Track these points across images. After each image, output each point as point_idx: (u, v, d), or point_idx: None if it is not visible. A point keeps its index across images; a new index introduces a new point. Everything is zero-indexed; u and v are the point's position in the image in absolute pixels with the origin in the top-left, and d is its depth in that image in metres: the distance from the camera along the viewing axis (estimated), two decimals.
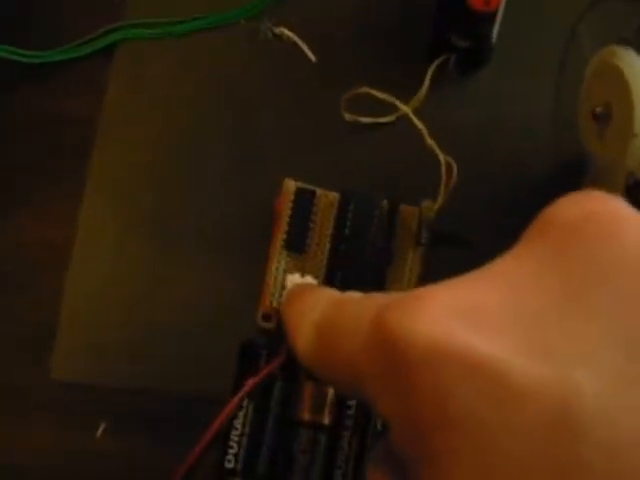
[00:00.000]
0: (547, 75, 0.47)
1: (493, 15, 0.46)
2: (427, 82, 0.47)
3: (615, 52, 0.40)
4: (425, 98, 0.47)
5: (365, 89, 0.45)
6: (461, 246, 0.44)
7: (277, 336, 0.40)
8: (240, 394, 0.37)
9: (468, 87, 0.50)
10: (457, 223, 0.45)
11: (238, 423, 0.40)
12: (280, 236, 0.43)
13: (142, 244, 0.46)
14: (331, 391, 0.40)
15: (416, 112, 0.47)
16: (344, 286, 0.40)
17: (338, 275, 0.42)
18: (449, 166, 0.43)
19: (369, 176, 0.46)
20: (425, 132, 0.44)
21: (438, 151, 0.43)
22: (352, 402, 0.40)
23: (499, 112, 0.49)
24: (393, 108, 0.46)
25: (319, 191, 0.44)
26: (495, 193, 0.47)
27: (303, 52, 0.49)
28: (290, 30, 0.50)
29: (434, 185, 0.44)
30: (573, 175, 0.47)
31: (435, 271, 0.44)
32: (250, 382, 0.37)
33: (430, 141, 0.44)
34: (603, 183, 0.43)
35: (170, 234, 0.46)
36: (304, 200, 0.43)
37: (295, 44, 0.50)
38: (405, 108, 0.44)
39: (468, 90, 0.50)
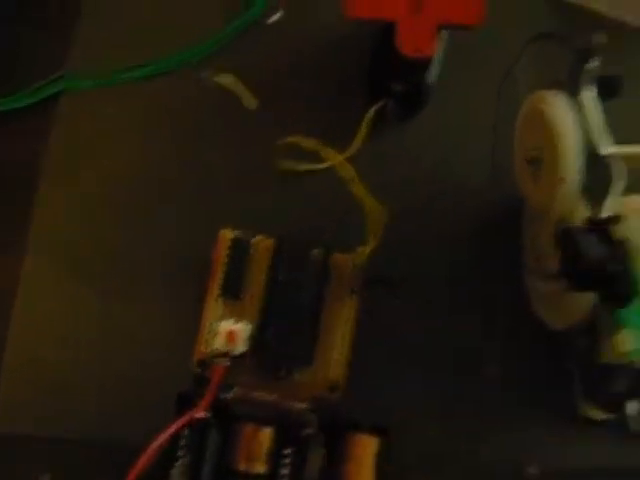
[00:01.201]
0: (485, 118, 0.48)
1: (426, 62, 0.47)
2: (364, 128, 0.48)
3: (544, 97, 0.41)
4: (362, 144, 0.48)
5: (295, 138, 0.46)
6: (395, 288, 0.45)
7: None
8: (148, 452, 0.37)
9: (406, 131, 0.51)
10: (392, 266, 0.45)
11: (175, 473, 0.40)
12: (216, 284, 0.44)
13: (80, 294, 0.46)
14: (267, 439, 0.40)
15: (353, 158, 0.47)
16: (278, 331, 0.41)
17: (272, 321, 0.43)
18: (379, 212, 0.44)
19: (304, 222, 0.47)
20: (355, 179, 0.44)
21: (367, 197, 0.44)
22: (288, 451, 0.40)
23: (436, 156, 0.50)
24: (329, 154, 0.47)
25: (254, 239, 0.44)
26: (429, 236, 0.48)
27: (243, 100, 0.50)
28: (230, 78, 0.51)
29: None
30: (510, 219, 0.48)
31: (371, 314, 0.45)
32: (160, 437, 0.37)
33: (359, 188, 0.44)
34: (537, 227, 0.44)
35: (108, 283, 0.46)
36: (239, 249, 0.44)
37: (235, 92, 0.50)
38: (334, 157, 0.45)
39: (406, 134, 0.51)
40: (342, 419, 0.42)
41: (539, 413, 0.47)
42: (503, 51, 0.47)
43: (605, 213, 0.37)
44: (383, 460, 0.42)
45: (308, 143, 0.46)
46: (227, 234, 0.44)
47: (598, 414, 0.45)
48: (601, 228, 0.36)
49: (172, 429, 0.37)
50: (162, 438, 0.36)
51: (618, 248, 0.36)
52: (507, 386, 0.46)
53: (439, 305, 0.47)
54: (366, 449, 0.41)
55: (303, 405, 0.42)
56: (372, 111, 0.49)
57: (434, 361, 0.46)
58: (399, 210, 0.47)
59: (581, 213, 0.39)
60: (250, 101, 0.50)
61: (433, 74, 0.49)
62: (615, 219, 0.36)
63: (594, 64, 0.40)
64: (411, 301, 0.46)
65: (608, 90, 0.41)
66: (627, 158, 0.40)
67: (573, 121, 0.39)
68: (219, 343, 0.42)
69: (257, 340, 0.42)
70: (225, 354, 0.42)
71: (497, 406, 0.46)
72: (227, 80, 0.50)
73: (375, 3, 0.46)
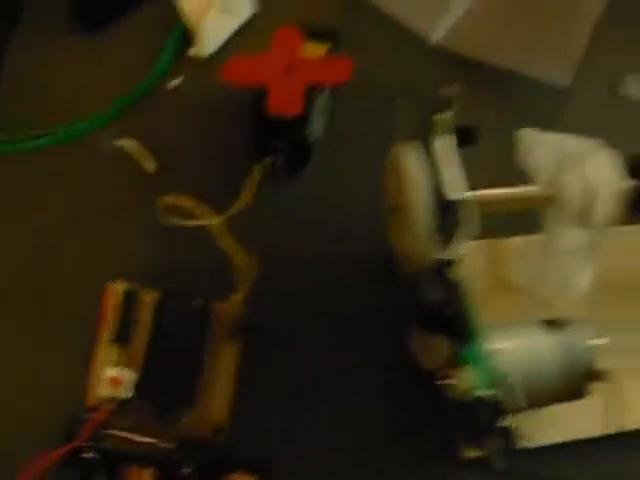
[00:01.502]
0: (370, 171, 0.51)
1: (302, 119, 0.50)
2: (249, 185, 0.51)
3: (400, 151, 0.45)
4: (251, 199, 0.51)
5: (173, 197, 0.49)
6: (255, 334, 0.47)
7: None
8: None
9: (295, 185, 0.54)
10: (269, 313, 0.48)
11: None
12: (105, 333, 0.46)
13: None
14: None
15: (241, 213, 0.50)
16: (161, 377, 0.44)
17: (156, 367, 0.45)
18: (248, 264, 0.47)
19: (188, 274, 0.49)
20: (224, 234, 0.48)
21: (236, 251, 0.47)
22: None
23: (318, 210, 0.53)
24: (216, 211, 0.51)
25: (141, 291, 0.47)
26: (312, 284, 0.50)
27: (142, 163, 0.53)
28: (130, 142, 0.54)
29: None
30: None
31: (251, 358, 0.47)
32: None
33: (228, 242, 0.48)
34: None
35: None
36: (128, 300, 0.47)
37: (135, 155, 0.53)
38: (209, 214, 0.49)
39: (293, 189, 0.54)
40: (221, 459, 0.43)
41: (420, 454, 0.49)
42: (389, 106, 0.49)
43: (447, 256, 0.40)
44: None
45: (185, 202, 0.49)
46: (117, 287, 0.47)
47: (473, 452, 0.46)
48: (440, 271, 0.39)
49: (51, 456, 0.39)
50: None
51: (454, 291, 0.38)
52: (390, 427, 0.48)
53: (322, 349, 0.49)
54: None
55: (182, 446, 0.43)
56: (257, 169, 0.52)
57: (319, 405, 0.49)
58: (285, 259, 0.50)
59: (433, 256, 0.42)
60: (149, 164, 0.53)
61: (315, 130, 0.52)
62: (451, 262, 0.39)
63: (448, 114, 0.43)
64: (296, 346, 0.49)
65: (466, 139, 0.44)
66: (483, 203, 0.43)
67: (422, 171, 0.42)
68: (104, 388, 0.44)
69: (141, 386, 0.44)
70: (111, 399, 0.44)
71: (380, 446, 0.48)
72: (128, 144, 0.53)
73: (249, 69, 0.49)
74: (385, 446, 0.49)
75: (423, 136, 0.45)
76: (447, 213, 0.43)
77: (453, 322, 0.38)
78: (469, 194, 0.44)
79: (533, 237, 0.49)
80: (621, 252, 0.55)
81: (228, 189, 0.52)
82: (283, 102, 0.49)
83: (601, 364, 0.45)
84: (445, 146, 0.44)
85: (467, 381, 0.39)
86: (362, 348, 0.49)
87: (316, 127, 0.53)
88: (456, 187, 0.43)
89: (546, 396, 0.44)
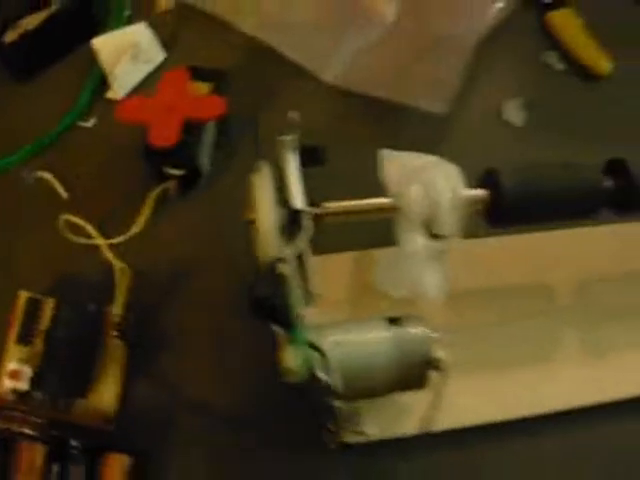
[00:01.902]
0: None
1: (188, 150, 0.58)
2: (143, 210, 0.59)
3: (254, 168, 0.52)
4: (145, 221, 0.59)
5: (74, 218, 0.57)
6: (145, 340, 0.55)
7: None
8: None
9: (187, 209, 0.62)
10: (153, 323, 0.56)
11: None
12: (12, 335, 0.54)
13: None
14: (40, 456, 0.50)
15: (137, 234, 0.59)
16: (56, 371, 0.52)
17: (52, 363, 0.53)
18: (126, 275, 0.55)
19: (87, 284, 0.57)
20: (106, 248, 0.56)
21: (117, 262, 0.55)
22: (56, 467, 0.49)
23: (211, 233, 0.61)
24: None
25: (44, 298, 0.55)
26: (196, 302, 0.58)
27: (56, 191, 0.61)
28: (47, 174, 0.62)
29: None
30: None
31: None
32: None
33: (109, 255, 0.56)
34: None
35: None
36: (32, 306, 0.54)
37: (49, 184, 0.61)
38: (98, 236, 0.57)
39: (187, 212, 0.62)
40: (104, 442, 0.51)
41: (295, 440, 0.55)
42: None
43: (281, 255, 0.47)
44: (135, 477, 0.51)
45: (79, 222, 0.57)
46: (23, 295, 0.55)
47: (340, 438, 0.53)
48: (273, 268, 0.46)
49: None
50: None
51: (280, 284, 0.46)
52: (265, 416, 0.55)
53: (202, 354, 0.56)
54: (116, 466, 0.50)
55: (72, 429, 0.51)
56: (150, 196, 0.59)
57: (196, 399, 0.56)
58: (175, 273, 0.58)
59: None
60: (62, 192, 0.61)
61: (203, 160, 0.60)
62: (281, 260, 0.46)
63: (291, 137, 0.51)
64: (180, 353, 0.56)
65: (312, 158, 0.52)
66: (340, 212, 0.52)
67: (268, 185, 0.50)
68: (6, 381, 0.51)
69: (38, 379, 0.52)
70: (13, 390, 0.51)
71: (254, 435, 0.55)
72: (45, 175, 0.61)
73: (136, 108, 0.57)
74: (260, 433, 0.55)
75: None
76: (292, 222, 0.50)
77: (278, 311, 0.45)
78: (315, 206, 0.50)
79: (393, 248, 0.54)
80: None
81: (128, 213, 0.59)
82: (160, 136, 0.56)
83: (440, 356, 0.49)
84: (291, 164, 0.51)
85: (287, 361, 0.45)
86: (242, 348, 0.56)
87: (204, 157, 0.60)
88: (298, 199, 0.50)
89: (385, 384, 0.50)
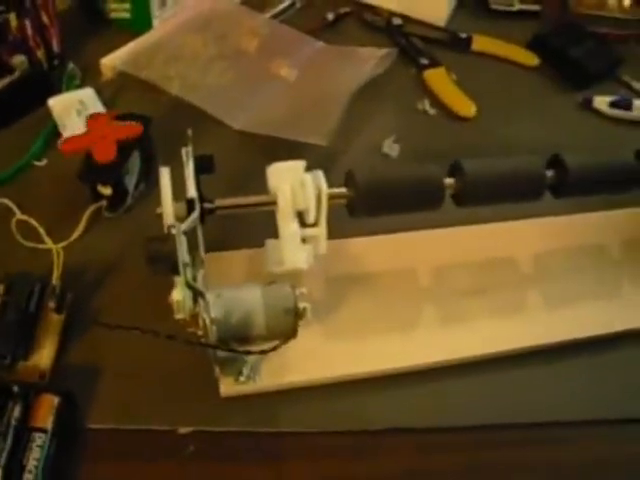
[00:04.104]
0: None
1: (116, 173, 0.74)
2: (81, 224, 0.75)
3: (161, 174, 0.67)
4: (81, 234, 0.74)
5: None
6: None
7: None
8: None
9: (116, 222, 0.77)
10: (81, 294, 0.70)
11: None
12: None
13: None
14: None
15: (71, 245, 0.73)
16: (5, 335, 0.64)
17: (2, 331, 0.65)
18: (58, 256, 0.69)
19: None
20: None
21: (53, 246, 0.70)
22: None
23: (128, 241, 0.75)
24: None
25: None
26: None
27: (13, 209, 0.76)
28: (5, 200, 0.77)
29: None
30: None
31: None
32: None
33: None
34: None
35: None
36: None
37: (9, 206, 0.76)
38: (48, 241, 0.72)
39: (114, 225, 0.77)
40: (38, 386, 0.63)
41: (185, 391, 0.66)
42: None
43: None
44: (64, 416, 0.62)
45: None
46: None
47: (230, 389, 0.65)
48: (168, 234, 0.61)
49: None
50: None
51: (169, 242, 0.60)
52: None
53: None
54: (47, 403, 0.62)
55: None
56: (87, 211, 0.75)
57: (121, 356, 0.68)
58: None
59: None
60: (18, 214, 0.76)
61: (130, 182, 0.76)
62: (172, 227, 0.61)
63: (188, 148, 0.67)
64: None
65: (204, 165, 0.67)
66: (230, 206, 0.66)
67: (168, 183, 0.64)
68: None
69: None
70: None
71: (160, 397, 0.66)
72: (4, 201, 0.77)
73: (79, 140, 0.74)
74: (167, 388, 0.66)
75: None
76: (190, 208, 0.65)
77: (166, 261, 0.60)
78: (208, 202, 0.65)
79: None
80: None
81: (69, 225, 0.74)
82: (102, 153, 0.72)
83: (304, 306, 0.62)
84: (188, 168, 0.67)
85: (178, 297, 0.58)
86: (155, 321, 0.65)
87: (130, 180, 0.76)
88: (191, 191, 0.65)
89: (260, 333, 0.62)
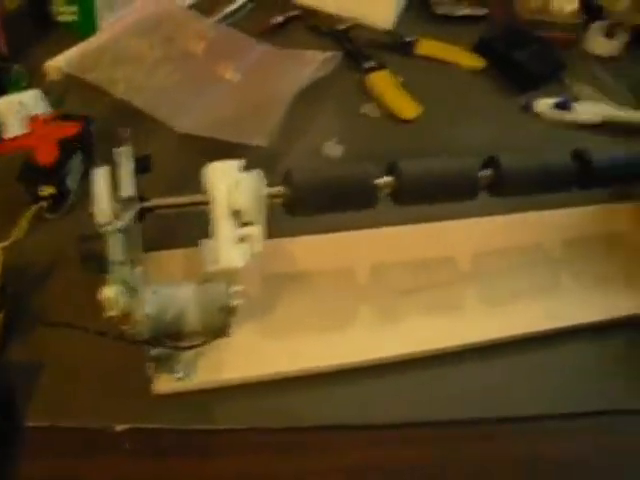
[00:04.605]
0: None
1: (57, 175, 0.75)
2: (22, 223, 0.75)
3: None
4: (21, 234, 0.73)
5: None
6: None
7: None
8: None
9: (57, 222, 0.77)
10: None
11: None
12: None
13: None
14: None
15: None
16: None
17: None
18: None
19: None
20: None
21: None
22: None
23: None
24: None
25: None
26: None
27: None
28: None
29: None
30: None
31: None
32: None
33: None
34: None
35: None
36: None
37: None
38: None
39: (55, 225, 0.77)
40: None
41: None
42: None
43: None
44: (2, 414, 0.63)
45: None
46: None
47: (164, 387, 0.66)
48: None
49: None
50: None
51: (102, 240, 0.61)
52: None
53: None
54: None
55: None
56: (26, 212, 0.75)
57: (58, 348, 0.68)
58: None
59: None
60: None
61: (71, 183, 0.76)
62: (103, 225, 0.62)
63: (124, 148, 0.67)
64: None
65: (142, 165, 0.68)
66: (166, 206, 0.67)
67: (104, 181, 0.64)
68: None
69: None
70: None
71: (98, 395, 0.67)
72: None
73: (18, 142, 0.74)
74: (103, 384, 0.66)
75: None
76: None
77: (97, 259, 0.60)
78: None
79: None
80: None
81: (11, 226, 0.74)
82: (44, 155, 0.73)
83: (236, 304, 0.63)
84: (123, 168, 0.67)
85: (110, 294, 0.59)
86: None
87: (71, 181, 0.77)
88: (126, 191, 0.66)
89: (194, 329, 0.63)
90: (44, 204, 0.76)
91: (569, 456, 0.67)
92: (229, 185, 0.66)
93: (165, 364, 0.65)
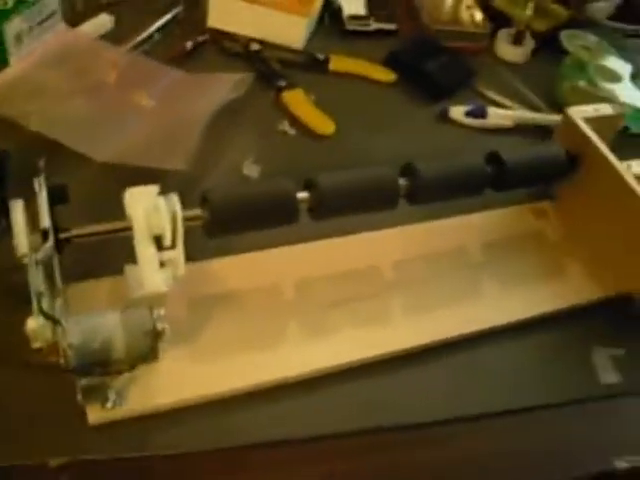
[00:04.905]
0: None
1: None
2: None
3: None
4: None
5: None
6: None
7: None
8: None
9: None
10: None
11: None
12: None
13: None
14: None
15: None
16: None
17: None
18: None
19: None
20: None
21: None
22: None
23: None
24: None
25: None
26: None
27: None
28: None
29: None
30: None
31: None
32: None
33: None
34: None
35: None
36: None
37: None
38: None
39: None
40: None
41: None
42: None
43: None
44: None
45: None
46: None
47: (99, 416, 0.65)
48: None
49: None
50: None
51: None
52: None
53: None
54: None
55: None
56: None
57: None
58: None
59: None
60: None
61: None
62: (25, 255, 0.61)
63: (40, 178, 0.66)
64: None
65: (57, 196, 0.67)
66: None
67: (20, 215, 0.64)
68: None
69: None
70: None
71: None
72: None
73: None
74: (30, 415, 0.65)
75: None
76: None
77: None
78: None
79: None
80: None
81: None
82: None
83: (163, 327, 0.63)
84: (41, 197, 0.67)
85: (34, 326, 0.59)
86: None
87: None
88: (45, 221, 0.65)
89: (121, 357, 0.62)
90: None
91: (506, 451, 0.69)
92: (147, 209, 0.66)
93: (97, 393, 0.65)
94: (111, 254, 0.72)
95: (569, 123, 0.86)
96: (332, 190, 0.72)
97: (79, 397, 0.63)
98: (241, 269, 0.77)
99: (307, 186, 0.72)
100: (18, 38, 0.93)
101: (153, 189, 0.68)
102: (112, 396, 0.65)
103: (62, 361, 0.59)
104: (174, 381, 0.67)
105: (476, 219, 0.86)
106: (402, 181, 0.75)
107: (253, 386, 0.68)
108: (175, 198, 0.67)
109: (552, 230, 0.87)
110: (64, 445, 0.64)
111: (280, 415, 0.68)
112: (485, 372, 0.74)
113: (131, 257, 0.66)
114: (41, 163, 0.67)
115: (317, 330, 0.74)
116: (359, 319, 0.75)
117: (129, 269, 0.68)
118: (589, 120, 0.85)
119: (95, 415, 0.64)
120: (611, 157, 0.81)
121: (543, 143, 0.95)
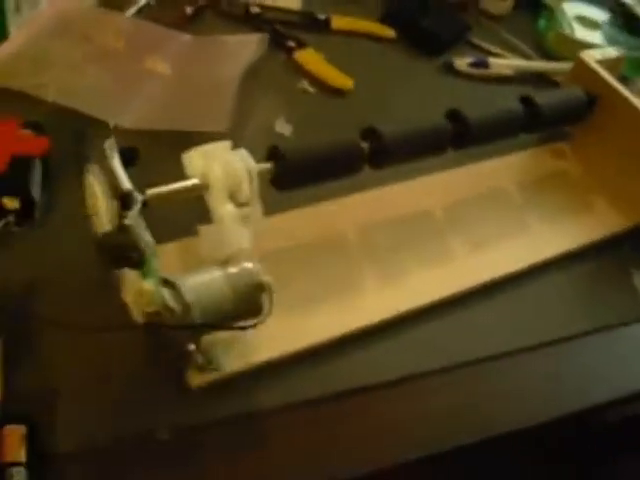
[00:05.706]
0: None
1: (21, 184, 0.70)
2: None
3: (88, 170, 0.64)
4: None
5: None
6: None
7: None
8: None
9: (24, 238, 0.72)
10: None
11: None
12: None
13: None
14: None
15: None
16: None
17: None
18: None
19: None
20: None
21: None
22: None
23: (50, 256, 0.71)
24: None
25: None
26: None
27: None
28: None
29: None
30: None
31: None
32: None
33: None
34: None
35: None
36: None
37: None
38: None
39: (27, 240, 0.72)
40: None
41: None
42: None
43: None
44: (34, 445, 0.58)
45: None
46: None
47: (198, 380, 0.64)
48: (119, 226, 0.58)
49: None
50: None
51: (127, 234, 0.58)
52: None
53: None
54: (14, 433, 0.58)
55: None
56: None
57: (68, 367, 0.64)
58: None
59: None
60: None
61: (35, 193, 0.72)
62: (124, 216, 0.58)
63: (111, 140, 0.64)
64: None
65: (129, 157, 0.65)
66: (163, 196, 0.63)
67: (98, 181, 0.62)
68: None
69: None
70: None
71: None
72: None
73: None
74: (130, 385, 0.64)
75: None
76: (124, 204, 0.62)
77: (125, 255, 0.57)
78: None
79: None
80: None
81: None
82: None
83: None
84: (115, 160, 0.64)
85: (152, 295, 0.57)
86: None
87: (35, 191, 0.72)
88: (125, 183, 0.63)
89: (231, 313, 0.61)
90: (10, 219, 0.71)
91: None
92: (224, 166, 0.64)
93: (196, 356, 0.62)
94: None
95: (583, 67, 0.88)
96: (392, 139, 0.72)
97: (183, 360, 0.62)
98: (304, 222, 0.77)
99: (364, 137, 0.72)
100: (17, 8, 0.89)
101: (225, 145, 0.67)
102: (211, 358, 0.64)
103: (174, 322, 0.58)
104: (267, 337, 0.65)
105: (502, 162, 0.88)
106: (448, 126, 0.76)
107: (341, 335, 0.69)
108: (246, 153, 0.66)
109: (572, 169, 0.90)
110: (169, 409, 0.63)
111: (371, 359, 0.68)
112: (540, 303, 0.77)
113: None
114: (89, 130, 0.64)
115: (389, 274, 0.75)
116: (425, 260, 0.77)
117: (204, 229, 0.66)
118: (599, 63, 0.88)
119: (197, 378, 0.63)
120: (629, 95, 0.83)
121: (543, 89, 0.97)
